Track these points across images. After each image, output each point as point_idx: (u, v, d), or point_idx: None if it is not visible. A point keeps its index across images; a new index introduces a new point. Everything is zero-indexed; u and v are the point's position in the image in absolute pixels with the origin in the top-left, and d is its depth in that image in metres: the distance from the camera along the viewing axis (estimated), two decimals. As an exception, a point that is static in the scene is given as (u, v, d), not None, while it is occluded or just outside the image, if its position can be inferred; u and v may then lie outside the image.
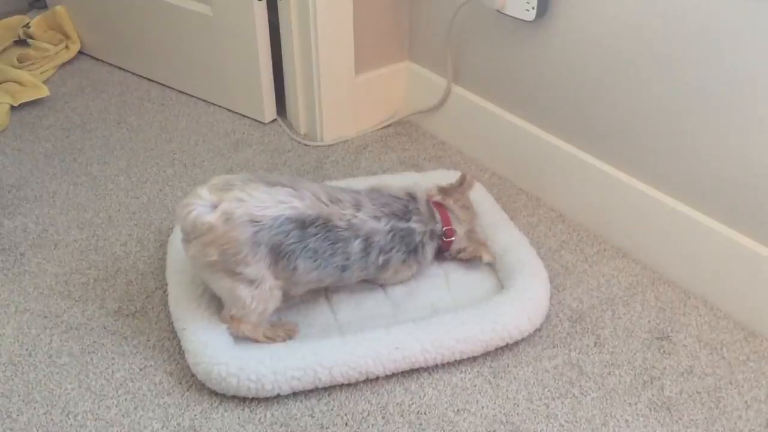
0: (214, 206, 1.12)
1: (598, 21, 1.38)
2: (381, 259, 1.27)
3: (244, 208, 1.11)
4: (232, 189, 1.13)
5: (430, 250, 1.35)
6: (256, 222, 1.12)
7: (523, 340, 1.29)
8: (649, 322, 1.33)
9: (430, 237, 1.34)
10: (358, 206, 1.24)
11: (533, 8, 1.44)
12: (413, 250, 1.32)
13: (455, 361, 1.25)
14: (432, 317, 1.26)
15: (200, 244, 1.13)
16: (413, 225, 1.30)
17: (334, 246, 1.20)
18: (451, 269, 1.42)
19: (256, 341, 1.22)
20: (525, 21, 1.48)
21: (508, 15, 1.51)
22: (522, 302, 1.28)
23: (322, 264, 1.20)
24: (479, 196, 1.52)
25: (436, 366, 1.24)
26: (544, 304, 1.31)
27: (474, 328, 1.23)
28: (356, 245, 1.23)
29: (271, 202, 1.14)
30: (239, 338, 1.22)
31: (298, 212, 1.16)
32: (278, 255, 1.15)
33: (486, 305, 1.28)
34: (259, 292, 1.16)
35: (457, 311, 1.27)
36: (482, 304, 1.29)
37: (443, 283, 1.40)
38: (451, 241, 1.37)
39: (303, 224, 1.16)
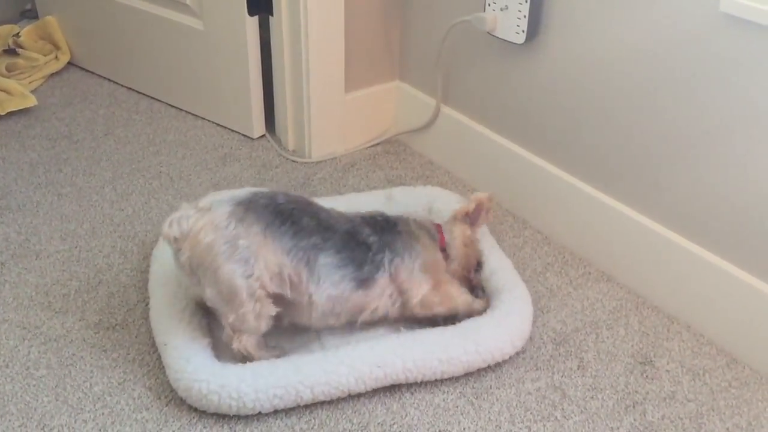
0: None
1: (589, 46, 1.39)
2: (372, 239, 1.25)
3: (220, 198, 1.19)
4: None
5: (425, 235, 1.32)
6: (239, 199, 1.18)
7: (505, 361, 1.28)
8: (632, 346, 1.33)
9: (418, 227, 1.32)
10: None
11: (523, 31, 1.45)
12: (408, 234, 1.29)
13: (438, 380, 1.24)
14: (416, 335, 1.26)
15: (193, 235, 1.14)
16: (396, 220, 1.31)
17: (320, 223, 1.23)
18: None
19: (254, 358, 1.21)
20: (515, 44, 1.49)
21: (498, 37, 1.52)
22: (506, 325, 1.28)
23: (314, 233, 1.21)
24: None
25: (418, 386, 1.23)
26: (527, 328, 1.31)
27: (457, 348, 1.23)
28: (343, 226, 1.25)
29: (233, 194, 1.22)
30: (243, 356, 1.20)
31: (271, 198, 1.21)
32: (267, 217, 1.17)
33: (469, 326, 1.28)
34: (249, 285, 1.14)
35: (441, 331, 1.27)
36: (466, 325, 1.28)
37: None
38: (443, 238, 1.35)
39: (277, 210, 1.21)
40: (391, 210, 1.37)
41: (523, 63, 1.52)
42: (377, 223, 1.28)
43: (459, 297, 1.31)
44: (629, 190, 1.42)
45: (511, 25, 1.47)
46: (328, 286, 1.20)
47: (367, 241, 1.24)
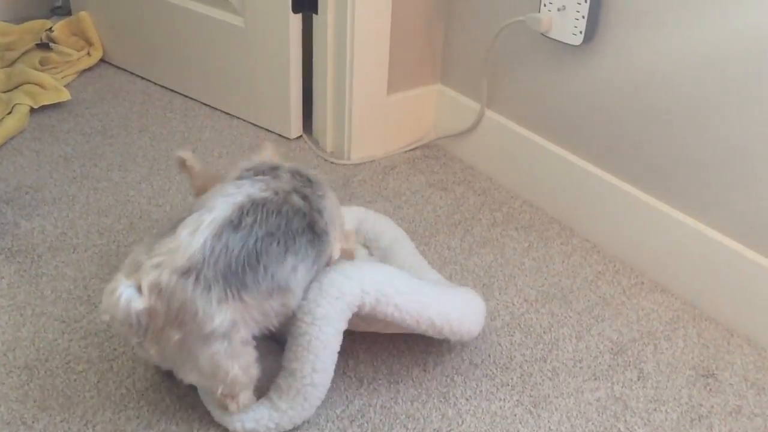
0: (138, 287, 0.93)
1: (650, 49, 1.36)
2: (323, 225, 1.08)
3: (167, 268, 0.93)
4: (140, 264, 0.95)
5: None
6: (186, 269, 0.92)
7: (562, 369, 1.24)
8: (692, 358, 1.29)
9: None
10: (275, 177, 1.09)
11: (581, 32, 1.42)
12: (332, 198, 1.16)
13: (493, 387, 1.19)
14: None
15: (155, 335, 0.95)
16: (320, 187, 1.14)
17: (286, 211, 1.02)
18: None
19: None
20: (571, 45, 1.45)
21: (552, 39, 1.48)
22: (473, 307, 1.22)
23: (290, 245, 1.01)
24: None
25: (474, 392, 1.19)
26: (483, 315, 1.25)
27: (441, 305, 1.15)
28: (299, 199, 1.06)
29: (184, 242, 0.94)
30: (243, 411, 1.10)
31: (217, 223, 0.96)
32: (238, 276, 0.95)
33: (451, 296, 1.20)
34: (232, 348, 0.98)
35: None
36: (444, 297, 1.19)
37: None
38: None
39: (232, 225, 0.96)
40: None
41: (578, 65, 1.49)
42: (311, 200, 1.09)
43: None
44: (687, 198, 1.38)
45: (568, 26, 1.44)
46: (301, 290, 1.08)
47: (325, 230, 1.09)
